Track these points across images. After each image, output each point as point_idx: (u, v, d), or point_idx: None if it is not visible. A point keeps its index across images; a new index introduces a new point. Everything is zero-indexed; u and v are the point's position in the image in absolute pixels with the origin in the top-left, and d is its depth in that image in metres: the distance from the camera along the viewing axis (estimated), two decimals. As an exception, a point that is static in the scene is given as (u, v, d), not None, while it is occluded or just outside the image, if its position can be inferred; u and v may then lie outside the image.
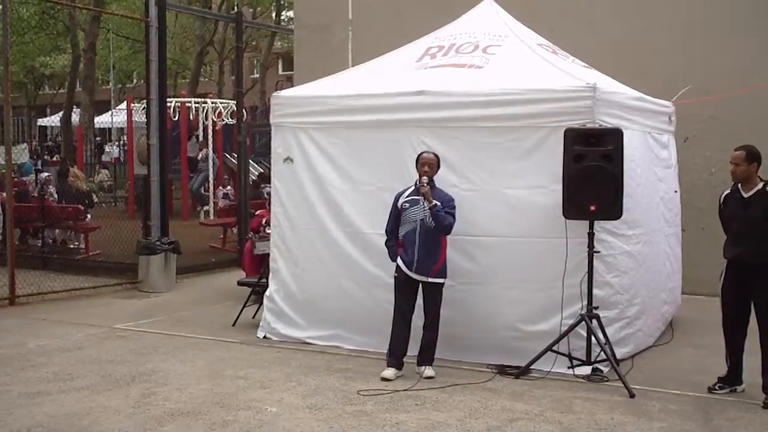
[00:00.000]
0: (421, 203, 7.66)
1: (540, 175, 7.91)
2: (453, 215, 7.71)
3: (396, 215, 7.86)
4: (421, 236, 7.63)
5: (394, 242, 7.86)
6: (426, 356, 7.74)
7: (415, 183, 7.83)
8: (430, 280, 7.68)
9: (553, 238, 7.76)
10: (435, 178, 7.79)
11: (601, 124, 7.76)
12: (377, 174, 8.47)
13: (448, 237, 7.81)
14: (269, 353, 8.61)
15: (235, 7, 36.14)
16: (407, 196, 7.81)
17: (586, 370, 7.68)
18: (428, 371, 7.65)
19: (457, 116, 8.22)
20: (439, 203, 7.63)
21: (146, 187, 13.18)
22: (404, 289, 7.76)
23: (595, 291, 7.65)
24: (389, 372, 7.68)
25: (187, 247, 13.88)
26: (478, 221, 8.12)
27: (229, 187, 20.43)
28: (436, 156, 7.88)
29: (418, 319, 7.80)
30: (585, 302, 7.63)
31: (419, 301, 7.79)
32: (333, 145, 8.82)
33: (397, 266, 7.77)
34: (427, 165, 7.76)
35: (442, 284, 7.75)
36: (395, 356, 7.76)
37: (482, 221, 8.11)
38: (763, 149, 7.12)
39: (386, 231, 7.97)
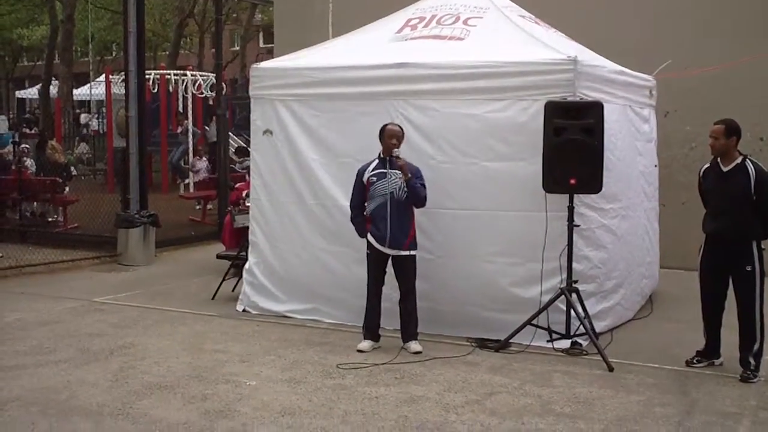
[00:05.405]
0: (389, 176, 7.60)
1: (520, 148, 7.87)
2: (424, 186, 7.67)
3: (361, 190, 7.76)
4: (392, 210, 7.57)
5: (362, 218, 7.78)
6: (410, 331, 7.70)
7: (379, 155, 7.73)
8: (404, 253, 7.65)
9: (533, 212, 7.73)
10: (414, 149, 7.74)
11: (581, 97, 7.73)
12: (356, 146, 8.38)
13: (426, 209, 7.78)
14: (248, 327, 8.58)
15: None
16: (373, 170, 7.70)
17: (565, 343, 7.69)
18: (415, 346, 7.62)
19: (437, 89, 8.17)
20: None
21: (125, 160, 13.07)
22: (376, 264, 7.72)
23: (573, 265, 7.65)
24: (365, 344, 7.69)
25: (167, 220, 13.80)
26: (456, 194, 8.09)
27: (204, 159, 20.16)
28: (401, 128, 7.83)
29: (393, 291, 7.79)
30: (564, 276, 7.64)
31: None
32: (312, 117, 8.76)
33: (368, 242, 7.71)
34: (396, 137, 7.67)
35: (415, 255, 7.73)
36: (371, 329, 7.77)
37: (461, 194, 8.08)
38: (743, 123, 7.11)
39: (351, 207, 7.87)
